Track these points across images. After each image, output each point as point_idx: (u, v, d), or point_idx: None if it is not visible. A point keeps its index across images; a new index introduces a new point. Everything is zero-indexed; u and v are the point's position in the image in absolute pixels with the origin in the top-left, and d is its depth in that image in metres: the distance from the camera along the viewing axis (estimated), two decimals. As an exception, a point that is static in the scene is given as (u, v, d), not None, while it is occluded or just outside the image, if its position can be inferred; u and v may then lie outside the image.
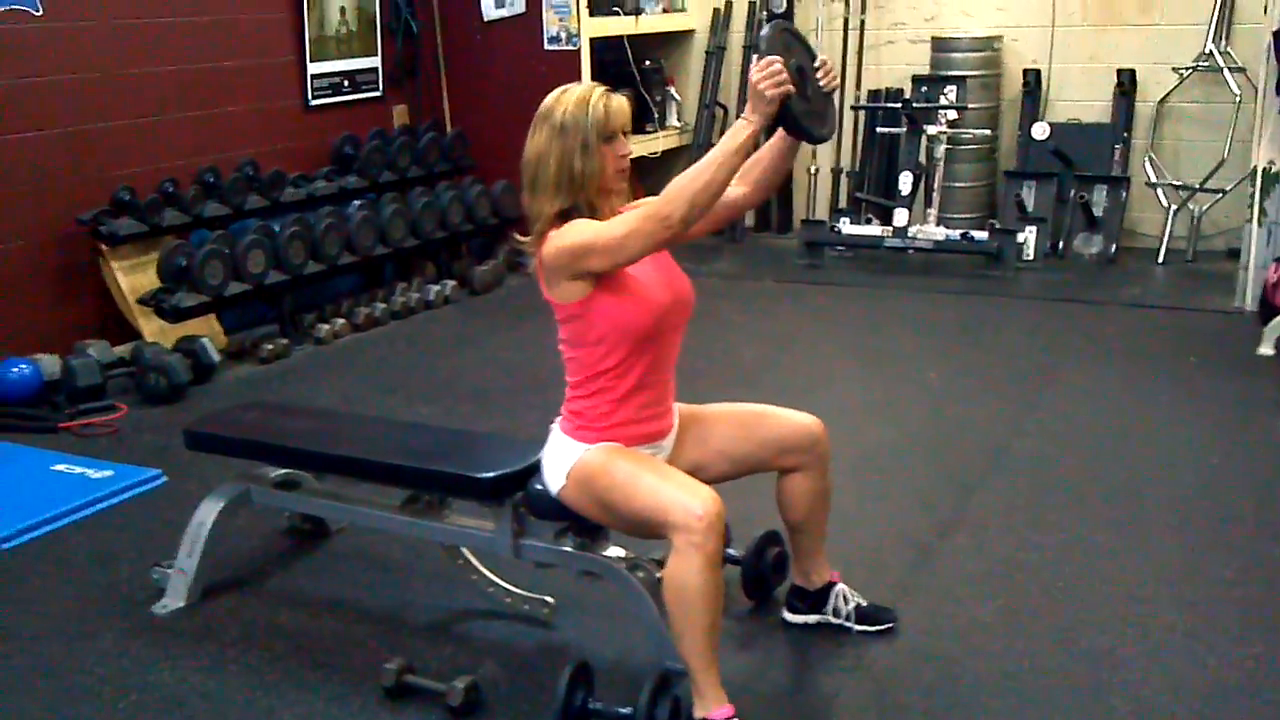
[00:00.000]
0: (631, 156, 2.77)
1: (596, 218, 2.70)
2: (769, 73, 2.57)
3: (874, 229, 7.13)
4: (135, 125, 5.71)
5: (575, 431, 2.79)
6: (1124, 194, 7.17)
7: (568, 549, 2.98)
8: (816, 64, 2.77)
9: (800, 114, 2.67)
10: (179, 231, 5.70)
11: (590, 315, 2.70)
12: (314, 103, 6.64)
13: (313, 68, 6.60)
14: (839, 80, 2.74)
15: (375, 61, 7.02)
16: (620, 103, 2.73)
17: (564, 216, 2.70)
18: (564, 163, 2.67)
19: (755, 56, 2.63)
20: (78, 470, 4.29)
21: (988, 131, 7.32)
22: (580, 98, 2.69)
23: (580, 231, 2.65)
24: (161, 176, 5.70)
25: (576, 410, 2.80)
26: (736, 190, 2.83)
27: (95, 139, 5.53)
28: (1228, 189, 6.87)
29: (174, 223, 5.66)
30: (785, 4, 7.69)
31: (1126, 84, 7.17)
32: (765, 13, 7.80)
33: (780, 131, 2.78)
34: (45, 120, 5.32)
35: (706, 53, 8.06)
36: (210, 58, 6.05)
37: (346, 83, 6.84)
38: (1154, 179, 7.17)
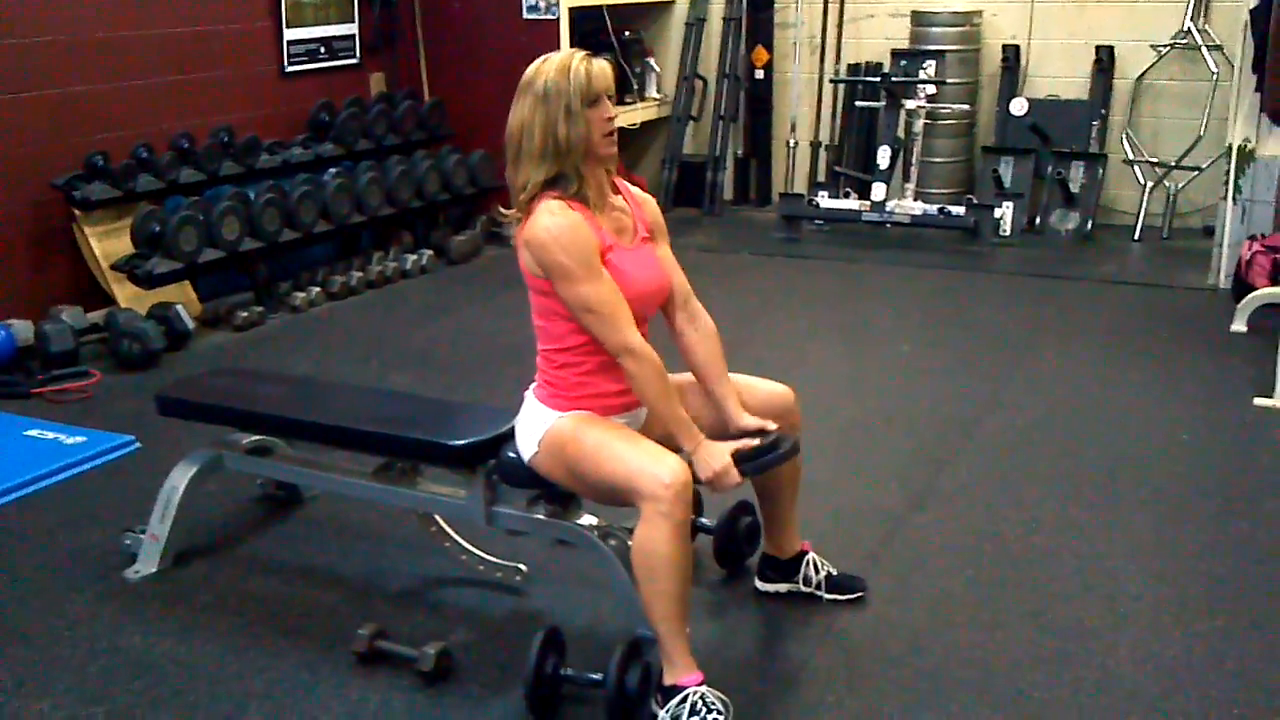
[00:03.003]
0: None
1: (584, 187, 2.71)
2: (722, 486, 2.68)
3: (852, 203, 7.13)
4: (110, 90, 5.66)
5: (548, 399, 2.80)
6: (1101, 170, 7.19)
7: (540, 517, 2.99)
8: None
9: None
10: (153, 197, 5.66)
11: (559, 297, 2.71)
12: (290, 69, 6.59)
13: (289, 34, 6.54)
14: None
15: (352, 28, 6.96)
16: (602, 66, 2.73)
17: (552, 184, 2.69)
18: (549, 130, 2.67)
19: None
20: (50, 436, 4.28)
21: (966, 107, 7.32)
22: (561, 64, 2.69)
23: (569, 265, 2.63)
24: (136, 142, 5.65)
25: (549, 379, 2.81)
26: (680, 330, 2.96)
27: (70, 103, 5.48)
28: (1204, 166, 6.91)
29: (148, 188, 5.62)
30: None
31: (1105, 60, 7.19)
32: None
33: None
34: (19, 84, 5.26)
35: (686, 24, 8.03)
36: (186, 22, 5.99)
37: (323, 49, 6.79)
38: (1131, 156, 7.20)
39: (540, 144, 2.67)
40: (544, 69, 2.70)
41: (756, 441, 2.75)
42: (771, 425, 2.82)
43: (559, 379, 2.79)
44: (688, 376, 2.96)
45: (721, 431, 2.84)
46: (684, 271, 2.95)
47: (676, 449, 2.72)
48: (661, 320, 2.93)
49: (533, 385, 2.86)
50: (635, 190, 2.93)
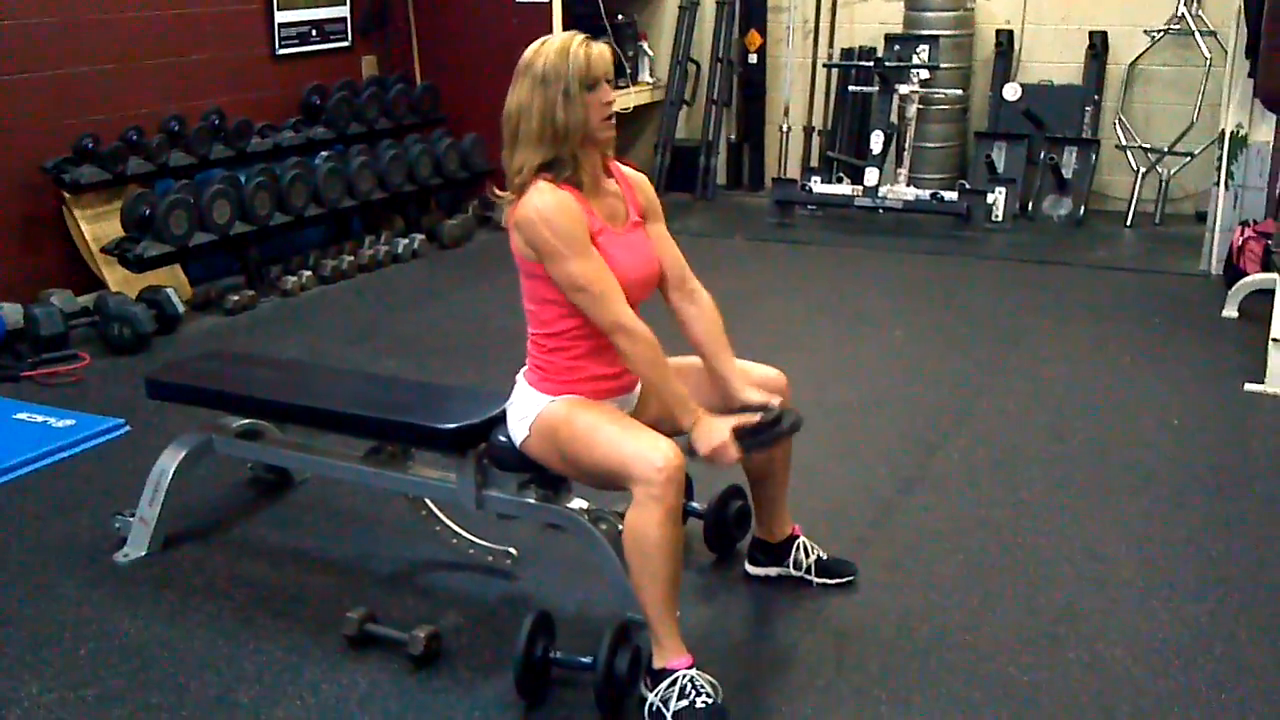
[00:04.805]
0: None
1: (579, 172, 2.70)
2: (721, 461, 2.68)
3: (845, 188, 7.13)
4: (100, 72, 5.63)
5: (539, 383, 2.79)
6: (1094, 156, 7.18)
7: (530, 501, 2.99)
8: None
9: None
10: (143, 180, 5.64)
11: (551, 278, 2.70)
12: (281, 52, 6.56)
13: (280, 16, 6.52)
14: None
15: (344, 11, 6.94)
16: (601, 50, 2.71)
17: (547, 168, 2.68)
18: (546, 114, 2.65)
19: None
20: (40, 419, 4.26)
21: (959, 92, 7.30)
22: (560, 47, 2.68)
23: (557, 243, 2.63)
24: (126, 124, 5.63)
25: (539, 363, 2.80)
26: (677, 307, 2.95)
27: (59, 86, 5.45)
28: (1196, 152, 6.91)
29: (138, 171, 5.60)
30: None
31: (1098, 46, 7.18)
32: None
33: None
34: (8, 66, 5.24)
35: (680, 8, 8.00)
36: (177, 4, 5.97)
37: (315, 32, 6.77)
38: (1124, 141, 7.20)
39: (538, 127, 2.66)
40: (543, 51, 2.68)
41: (758, 417, 2.74)
42: (775, 400, 2.82)
43: (549, 363, 2.78)
44: (688, 359, 2.96)
45: (723, 409, 2.84)
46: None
47: (673, 430, 2.72)
48: (660, 303, 2.92)
49: (523, 369, 2.86)
50: (629, 172, 2.92)
